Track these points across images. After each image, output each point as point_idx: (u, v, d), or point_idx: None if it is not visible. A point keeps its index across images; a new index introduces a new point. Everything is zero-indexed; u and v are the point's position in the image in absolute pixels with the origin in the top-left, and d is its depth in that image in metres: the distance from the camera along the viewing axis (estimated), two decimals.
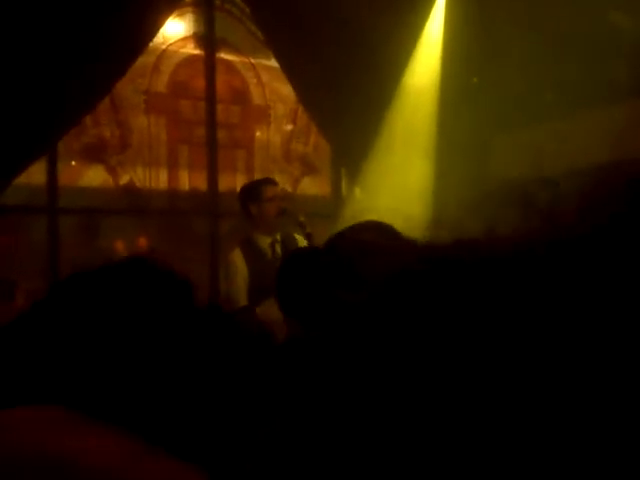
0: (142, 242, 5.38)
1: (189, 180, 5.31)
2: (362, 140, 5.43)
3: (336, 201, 5.84)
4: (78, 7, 4.28)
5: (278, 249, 3.70)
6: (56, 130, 4.44)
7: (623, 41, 4.82)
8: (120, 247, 5.31)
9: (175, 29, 5.26)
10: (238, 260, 3.67)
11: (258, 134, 5.69)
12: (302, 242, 3.67)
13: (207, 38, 5.33)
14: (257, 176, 5.34)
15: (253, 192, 3.77)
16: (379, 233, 1.03)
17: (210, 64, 5.32)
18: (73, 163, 4.88)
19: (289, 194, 5.32)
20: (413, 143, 5.49)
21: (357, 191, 5.62)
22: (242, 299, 3.56)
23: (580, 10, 4.95)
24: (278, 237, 3.73)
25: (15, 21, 4.09)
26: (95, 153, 4.91)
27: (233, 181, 5.37)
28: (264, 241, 3.71)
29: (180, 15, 5.21)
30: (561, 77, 5.04)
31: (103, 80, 4.57)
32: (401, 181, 5.29)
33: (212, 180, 5.27)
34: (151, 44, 4.88)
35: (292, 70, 5.38)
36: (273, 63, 5.47)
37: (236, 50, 5.53)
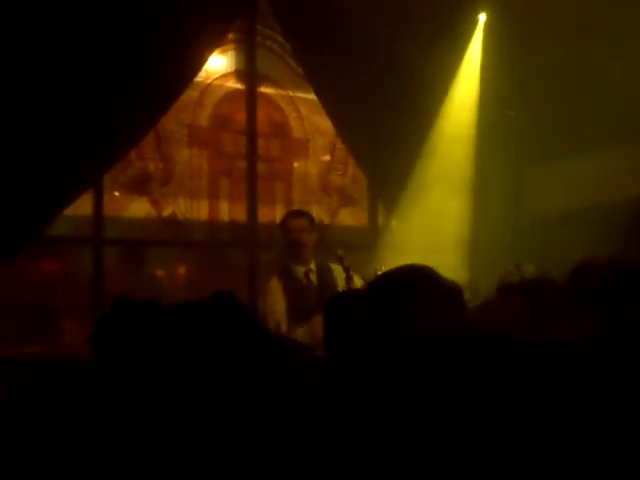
0: (181, 271, 5.49)
1: (229, 212, 5.42)
2: (399, 173, 5.49)
3: (373, 232, 5.89)
4: (125, 44, 4.46)
5: (313, 278, 3.82)
6: (103, 163, 4.59)
7: None
8: (161, 276, 5.43)
9: (218, 65, 5.41)
10: (275, 287, 3.78)
11: (297, 166, 5.79)
12: (338, 271, 3.77)
13: (249, 74, 5.47)
14: (296, 207, 5.44)
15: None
16: (419, 276, 1.11)
17: (251, 99, 5.46)
18: (117, 194, 5.01)
19: (323, 225, 5.40)
20: (449, 175, 5.53)
21: (394, 223, 5.67)
22: (280, 325, 3.66)
23: (618, 43, 4.96)
24: (312, 267, 3.84)
25: (66, 58, 4.26)
26: (139, 186, 5.05)
27: (272, 213, 5.46)
28: (299, 270, 3.81)
29: (223, 52, 5.37)
30: (596, 111, 5.05)
31: (148, 115, 4.72)
32: (437, 213, 5.33)
33: (252, 212, 5.38)
34: (195, 79, 5.03)
35: (330, 104, 5.47)
36: (312, 97, 5.56)
37: (276, 84, 5.65)
